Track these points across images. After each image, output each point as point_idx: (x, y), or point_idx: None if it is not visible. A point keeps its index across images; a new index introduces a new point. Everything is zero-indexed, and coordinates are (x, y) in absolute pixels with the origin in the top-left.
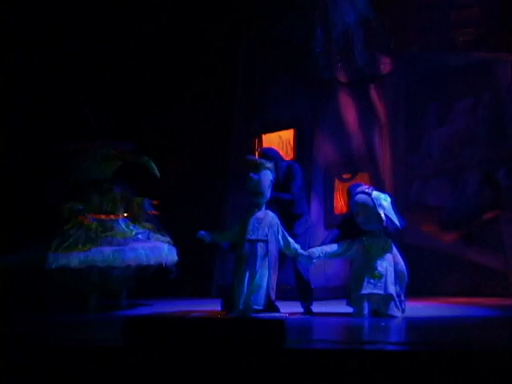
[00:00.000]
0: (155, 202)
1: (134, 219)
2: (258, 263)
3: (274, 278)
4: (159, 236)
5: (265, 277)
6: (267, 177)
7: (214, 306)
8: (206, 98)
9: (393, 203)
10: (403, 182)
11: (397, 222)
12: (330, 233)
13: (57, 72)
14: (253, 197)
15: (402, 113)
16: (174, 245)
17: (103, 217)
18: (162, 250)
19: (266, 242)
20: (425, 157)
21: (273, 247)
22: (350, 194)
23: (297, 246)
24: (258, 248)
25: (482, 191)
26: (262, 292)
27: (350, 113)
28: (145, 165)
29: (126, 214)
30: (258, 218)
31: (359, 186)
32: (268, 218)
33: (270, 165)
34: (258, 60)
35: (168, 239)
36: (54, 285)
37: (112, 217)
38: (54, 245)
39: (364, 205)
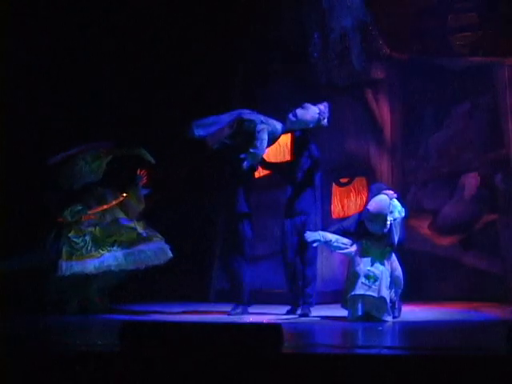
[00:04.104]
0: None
1: (130, 213)
2: None
3: None
4: (155, 234)
5: None
6: (314, 112)
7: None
8: (204, 99)
9: (403, 220)
10: (401, 187)
11: (395, 238)
12: (339, 224)
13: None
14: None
15: (400, 117)
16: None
17: (105, 207)
18: (164, 249)
19: None
20: (422, 161)
21: None
22: (373, 191)
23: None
24: None
25: (479, 195)
26: None
27: (347, 117)
28: (137, 154)
29: (123, 197)
30: None
31: (383, 187)
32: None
33: (325, 117)
34: (256, 63)
35: (161, 236)
36: (56, 290)
37: (114, 203)
38: (64, 253)
39: (380, 204)
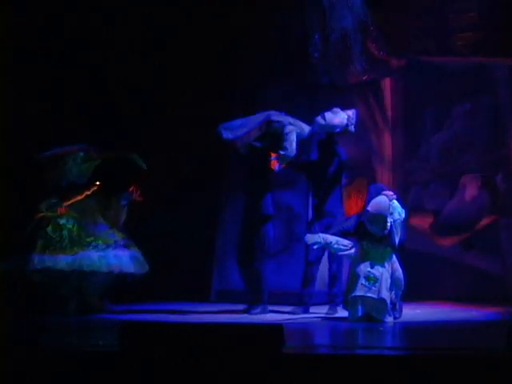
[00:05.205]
0: (132, 189)
1: (112, 222)
2: None
3: None
4: (133, 245)
5: None
6: (343, 118)
7: (214, 312)
8: (205, 100)
9: (404, 221)
10: (401, 187)
11: (396, 239)
12: (340, 224)
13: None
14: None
15: (400, 117)
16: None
17: (79, 198)
18: (140, 260)
19: None
20: (423, 162)
21: None
22: (372, 192)
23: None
24: None
25: (480, 196)
26: None
27: None
28: (130, 159)
29: (96, 185)
30: None
31: (383, 188)
32: None
33: (353, 123)
34: (257, 64)
35: (137, 248)
36: (36, 288)
37: (87, 192)
38: (39, 246)
39: (380, 205)
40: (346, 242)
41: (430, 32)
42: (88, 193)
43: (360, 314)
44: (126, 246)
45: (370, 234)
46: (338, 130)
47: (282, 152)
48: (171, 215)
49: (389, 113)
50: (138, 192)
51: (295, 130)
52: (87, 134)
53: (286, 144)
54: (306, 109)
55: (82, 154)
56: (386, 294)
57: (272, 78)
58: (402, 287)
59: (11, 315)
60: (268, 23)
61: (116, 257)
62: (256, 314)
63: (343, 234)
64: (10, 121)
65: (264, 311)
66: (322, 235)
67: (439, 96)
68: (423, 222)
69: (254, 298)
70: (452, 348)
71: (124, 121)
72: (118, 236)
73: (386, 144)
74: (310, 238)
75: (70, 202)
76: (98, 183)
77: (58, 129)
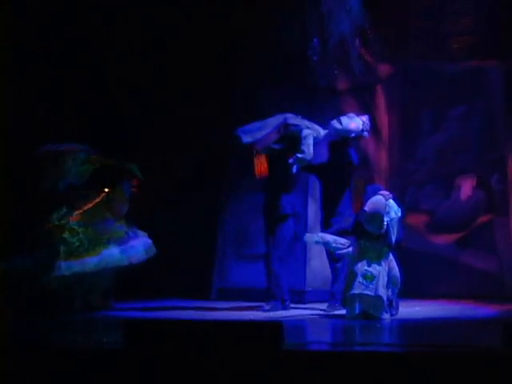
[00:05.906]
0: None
1: (115, 215)
2: None
3: None
4: (139, 231)
5: None
6: (359, 123)
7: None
8: (205, 100)
9: (400, 220)
10: (398, 188)
11: (393, 238)
12: (338, 225)
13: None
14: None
15: (397, 120)
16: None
17: (90, 205)
18: (150, 244)
19: None
20: (419, 163)
21: None
22: (368, 193)
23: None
24: None
25: (475, 196)
26: None
27: None
28: (127, 169)
29: (106, 190)
30: None
31: (379, 188)
32: None
33: (367, 129)
34: (257, 64)
35: (144, 233)
36: (43, 289)
37: (97, 200)
38: (62, 253)
39: (376, 204)
40: (343, 240)
41: (426, 36)
42: (98, 200)
43: (357, 311)
44: (135, 235)
45: (367, 233)
46: (353, 135)
47: (299, 155)
48: (171, 215)
49: (386, 115)
50: (137, 184)
51: (312, 133)
52: (87, 134)
53: (304, 147)
54: (306, 109)
55: (82, 155)
56: (382, 292)
57: (272, 78)
58: (399, 285)
59: (11, 315)
60: (268, 23)
61: (132, 248)
62: (266, 311)
63: (341, 233)
64: (10, 121)
65: (274, 308)
66: (320, 234)
67: (435, 99)
68: (419, 222)
69: (271, 296)
70: (449, 345)
71: (124, 121)
72: (126, 227)
73: (383, 146)
74: (309, 238)
75: (81, 211)
76: (106, 190)
77: (58, 129)
